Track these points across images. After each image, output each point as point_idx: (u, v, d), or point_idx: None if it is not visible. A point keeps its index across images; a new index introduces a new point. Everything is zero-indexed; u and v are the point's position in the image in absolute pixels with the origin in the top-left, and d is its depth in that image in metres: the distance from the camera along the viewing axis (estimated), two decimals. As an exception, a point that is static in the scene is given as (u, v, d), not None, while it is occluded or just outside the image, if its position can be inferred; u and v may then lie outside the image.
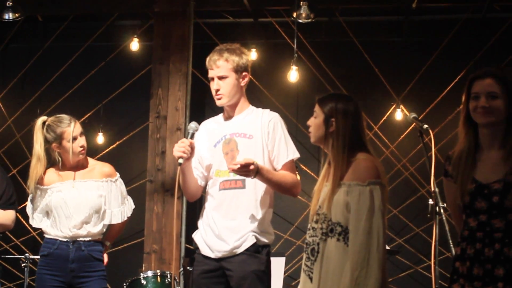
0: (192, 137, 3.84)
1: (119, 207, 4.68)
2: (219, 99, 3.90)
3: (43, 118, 4.62)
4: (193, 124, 3.89)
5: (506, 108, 3.11)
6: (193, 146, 3.80)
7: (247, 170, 3.61)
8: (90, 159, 4.75)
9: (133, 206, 4.81)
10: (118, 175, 4.75)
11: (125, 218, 4.72)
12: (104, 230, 4.68)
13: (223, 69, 3.87)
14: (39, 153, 4.55)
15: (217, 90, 3.88)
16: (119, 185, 4.73)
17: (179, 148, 3.76)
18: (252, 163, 3.61)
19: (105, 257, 4.70)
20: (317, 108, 3.34)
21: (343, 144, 3.26)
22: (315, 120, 3.34)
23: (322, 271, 3.19)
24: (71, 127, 4.53)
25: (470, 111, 3.16)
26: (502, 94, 3.11)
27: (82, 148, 4.57)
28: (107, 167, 4.72)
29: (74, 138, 4.53)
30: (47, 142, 4.56)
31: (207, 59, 3.93)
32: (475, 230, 3.11)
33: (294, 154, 3.88)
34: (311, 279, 3.23)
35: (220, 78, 3.88)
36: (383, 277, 3.11)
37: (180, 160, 3.77)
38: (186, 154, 3.76)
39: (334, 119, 3.28)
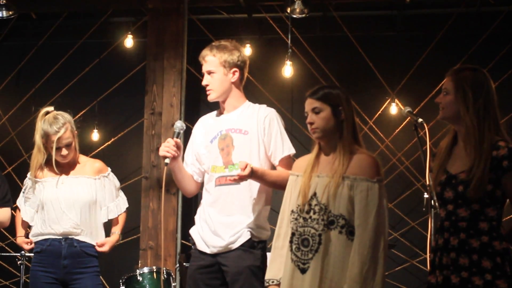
0: (178, 136, 3.87)
1: (114, 201, 4.70)
2: (208, 94, 3.93)
3: (48, 109, 4.57)
4: (179, 123, 3.91)
5: (456, 105, 3.22)
6: (179, 145, 3.83)
7: (248, 172, 3.58)
8: (81, 156, 4.74)
9: (125, 198, 4.81)
10: (109, 169, 4.75)
11: (122, 211, 4.75)
12: None
13: (211, 64, 3.90)
14: (39, 143, 4.54)
15: (206, 85, 3.91)
16: (112, 179, 4.74)
17: (164, 148, 3.80)
18: (247, 164, 3.60)
19: (107, 244, 4.62)
20: (317, 103, 3.32)
21: (352, 130, 3.30)
22: (319, 114, 3.31)
23: (325, 263, 3.19)
24: (57, 135, 4.45)
25: None
26: (454, 91, 3.23)
27: (63, 157, 4.53)
28: (97, 163, 4.73)
29: (57, 148, 4.48)
30: None
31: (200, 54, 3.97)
32: (444, 220, 3.19)
33: (290, 150, 3.88)
34: (300, 270, 3.24)
35: (209, 73, 3.91)
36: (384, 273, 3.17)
37: (166, 160, 3.81)
38: (171, 154, 3.79)
39: (342, 107, 3.30)
